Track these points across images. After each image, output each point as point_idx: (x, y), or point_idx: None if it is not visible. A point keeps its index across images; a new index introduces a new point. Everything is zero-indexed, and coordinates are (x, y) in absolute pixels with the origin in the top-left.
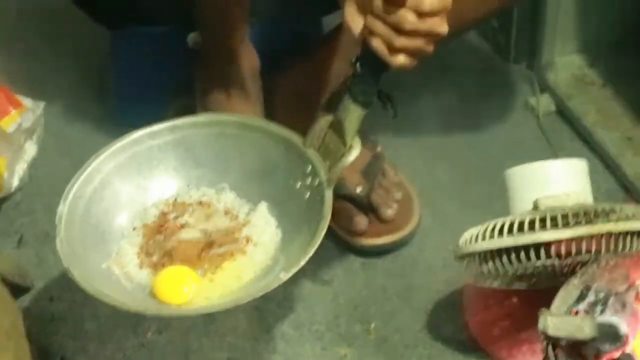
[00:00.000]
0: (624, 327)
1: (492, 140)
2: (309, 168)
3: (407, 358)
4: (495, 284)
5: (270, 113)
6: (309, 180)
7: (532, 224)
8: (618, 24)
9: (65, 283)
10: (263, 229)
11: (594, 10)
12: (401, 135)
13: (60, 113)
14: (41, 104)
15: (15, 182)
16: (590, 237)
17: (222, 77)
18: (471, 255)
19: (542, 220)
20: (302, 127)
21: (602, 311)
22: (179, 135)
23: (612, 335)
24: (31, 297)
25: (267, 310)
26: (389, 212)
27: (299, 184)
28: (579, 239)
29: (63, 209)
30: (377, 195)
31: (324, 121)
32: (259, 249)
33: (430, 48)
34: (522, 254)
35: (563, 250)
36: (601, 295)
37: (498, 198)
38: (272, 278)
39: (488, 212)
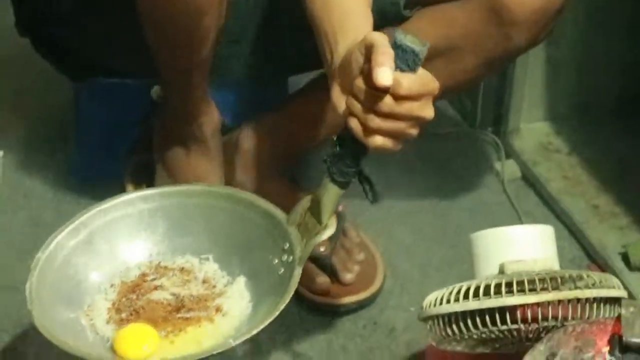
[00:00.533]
0: None
1: (457, 204)
2: (287, 245)
3: None
4: (459, 348)
5: (231, 172)
6: (285, 257)
7: (498, 288)
8: (584, 92)
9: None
10: (236, 301)
11: (560, 79)
12: (364, 196)
13: (18, 163)
14: None
15: None
16: (557, 302)
17: (181, 133)
18: (435, 317)
19: (508, 285)
20: (259, 186)
21: None
22: (170, 202)
23: None
24: None
25: None
26: (347, 276)
27: (276, 260)
28: (545, 305)
29: (41, 256)
30: (337, 258)
31: (306, 200)
32: (227, 319)
33: (413, 131)
34: (487, 318)
35: (529, 315)
36: None
37: (461, 262)
38: (222, 342)
39: (450, 275)
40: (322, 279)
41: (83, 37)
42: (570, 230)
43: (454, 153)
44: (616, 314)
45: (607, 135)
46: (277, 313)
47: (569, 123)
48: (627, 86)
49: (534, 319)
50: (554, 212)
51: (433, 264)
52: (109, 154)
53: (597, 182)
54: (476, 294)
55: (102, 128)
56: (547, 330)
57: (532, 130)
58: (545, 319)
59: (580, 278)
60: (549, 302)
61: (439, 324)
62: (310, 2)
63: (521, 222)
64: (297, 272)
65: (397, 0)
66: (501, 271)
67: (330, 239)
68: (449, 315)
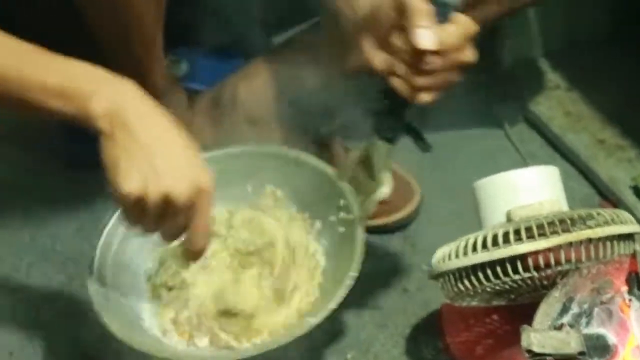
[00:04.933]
0: (612, 338)
1: (459, 155)
2: (342, 202)
3: None
4: (474, 303)
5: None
6: (342, 214)
7: (506, 237)
8: (581, 24)
9: (24, 336)
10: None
11: (551, 13)
12: None
13: (9, 159)
14: None
15: None
16: (569, 245)
17: None
18: (446, 274)
19: (517, 232)
20: (263, 134)
21: (588, 323)
22: (218, 166)
23: (600, 348)
24: None
25: None
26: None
27: (333, 218)
28: (557, 249)
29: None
30: None
31: (354, 155)
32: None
33: (456, 77)
34: (499, 269)
35: (541, 261)
36: (585, 306)
37: (467, 214)
38: (301, 324)
39: (458, 228)
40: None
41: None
42: (577, 169)
43: (450, 102)
44: (631, 251)
45: (606, 66)
46: (350, 283)
47: (566, 57)
48: (620, 11)
49: (547, 265)
50: (559, 151)
51: (442, 218)
52: None
53: (601, 115)
54: (484, 245)
55: None
56: (562, 274)
57: (529, 68)
58: (558, 263)
59: (591, 217)
60: (560, 246)
61: (450, 280)
62: None
63: (526, 166)
64: (360, 232)
65: None
66: (508, 219)
67: None
68: (459, 270)
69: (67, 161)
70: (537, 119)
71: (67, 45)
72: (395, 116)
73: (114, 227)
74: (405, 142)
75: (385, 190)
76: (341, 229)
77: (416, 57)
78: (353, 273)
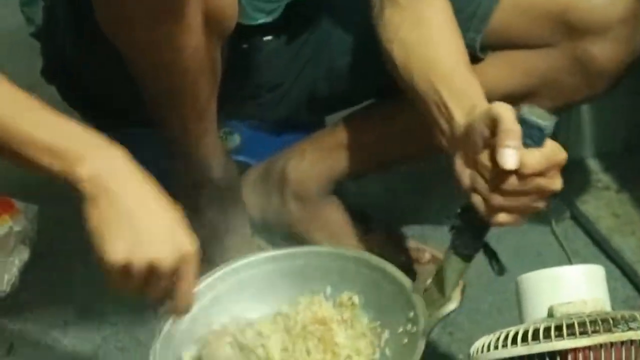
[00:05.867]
0: None
1: (503, 246)
2: (412, 314)
3: None
4: None
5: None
6: (409, 326)
7: (547, 332)
8: (632, 127)
9: None
10: None
11: (607, 115)
12: None
13: (54, 218)
14: (34, 208)
15: (5, 288)
16: (610, 345)
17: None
18: None
19: (558, 328)
20: (311, 213)
21: None
22: (298, 262)
23: None
24: None
25: None
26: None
27: (400, 329)
28: (597, 348)
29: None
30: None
31: (431, 269)
32: None
33: (540, 205)
34: None
35: (580, 358)
36: None
37: (510, 308)
38: None
39: (500, 322)
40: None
41: (104, 88)
42: (622, 270)
43: None
44: None
45: None
46: None
47: (618, 159)
48: None
49: None
50: (604, 251)
51: (481, 310)
52: None
53: None
54: (525, 339)
55: None
56: None
57: (580, 167)
58: None
59: (634, 319)
60: (601, 345)
61: None
62: (406, 70)
63: (570, 263)
64: (421, 344)
65: (474, 43)
66: (550, 314)
67: None
68: None
69: None
70: (584, 218)
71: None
72: (473, 234)
73: None
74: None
75: (453, 306)
76: (405, 340)
77: (497, 177)
78: None
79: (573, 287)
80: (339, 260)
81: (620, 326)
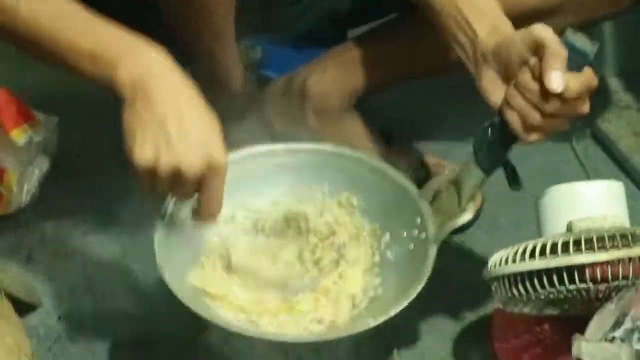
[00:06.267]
0: None
1: (523, 165)
2: (419, 220)
3: None
4: (526, 310)
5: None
6: (415, 232)
7: (565, 247)
8: None
9: (74, 302)
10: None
11: (630, 34)
12: None
13: (74, 129)
14: (55, 119)
15: (25, 198)
16: (628, 261)
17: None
18: (501, 278)
19: (577, 243)
20: (332, 128)
21: None
22: (298, 159)
23: None
24: (38, 315)
25: None
26: None
27: (405, 234)
28: (616, 263)
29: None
30: None
31: (442, 179)
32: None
33: (566, 126)
34: (555, 278)
35: (599, 274)
36: (639, 322)
37: (528, 224)
38: (359, 323)
39: (517, 238)
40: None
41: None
42: None
43: None
44: None
45: None
46: (414, 295)
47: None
48: None
49: (604, 279)
50: (624, 170)
51: (500, 225)
52: None
53: None
54: (543, 253)
55: None
56: (618, 290)
57: (601, 86)
58: (615, 278)
59: None
60: (619, 261)
61: (505, 285)
62: None
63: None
64: (433, 252)
65: None
66: (569, 229)
67: None
68: (515, 275)
69: None
70: (604, 136)
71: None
72: (499, 150)
73: None
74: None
75: (467, 218)
76: (411, 246)
77: (541, 98)
78: (420, 286)
79: (593, 202)
80: (338, 159)
81: (639, 242)
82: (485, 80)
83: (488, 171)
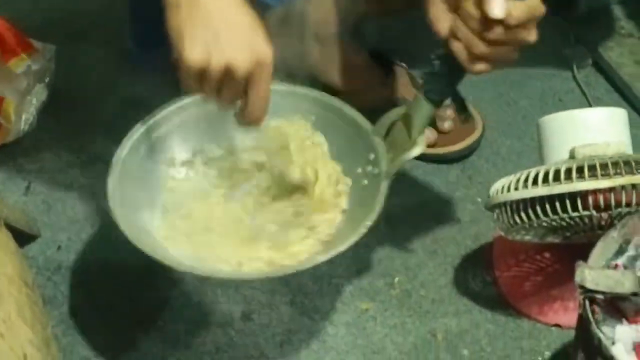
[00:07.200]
0: None
1: (525, 93)
2: (372, 156)
3: (432, 314)
4: (528, 237)
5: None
6: (369, 168)
7: (568, 173)
8: None
9: (73, 231)
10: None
11: None
12: None
13: (71, 57)
14: (52, 48)
15: (24, 127)
16: (631, 187)
17: None
18: (503, 205)
19: (580, 170)
20: (331, 54)
21: None
22: None
23: None
24: (38, 245)
25: None
26: (446, 125)
27: (359, 170)
28: (618, 190)
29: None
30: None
31: (394, 112)
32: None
33: (514, 55)
34: (557, 205)
35: (601, 201)
36: None
37: (528, 153)
38: (309, 259)
39: (518, 166)
40: (428, 132)
41: None
42: None
43: None
44: None
45: None
46: (364, 231)
47: None
48: None
49: (607, 205)
50: (626, 98)
51: (501, 154)
52: (164, 44)
53: None
54: (545, 180)
55: (156, 18)
56: (621, 217)
57: (603, 14)
58: (618, 205)
59: None
60: (622, 187)
61: (506, 211)
62: None
63: None
64: (384, 186)
65: None
66: (572, 156)
67: None
68: (517, 202)
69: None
70: (606, 64)
71: None
72: (446, 80)
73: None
74: (476, 76)
75: (418, 150)
76: (364, 182)
77: (483, 25)
78: (369, 222)
79: (595, 129)
80: (303, 100)
81: None
82: (434, 9)
83: (437, 102)
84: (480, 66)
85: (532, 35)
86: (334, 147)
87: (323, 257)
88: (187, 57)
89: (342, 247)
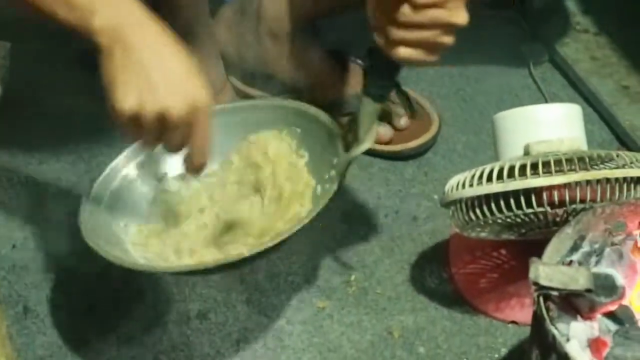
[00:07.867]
0: (620, 279)
1: (481, 89)
2: (335, 161)
3: (388, 311)
4: (484, 234)
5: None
6: (332, 172)
7: (522, 170)
8: None
9: (28, 230)
10: None
11: None
12: None
13: (26, 54)
14: (6, 45)
15: None
16: (585, 183)
17: None
18: (458, 202)
19: (534, 166)
20: (287, 51)
21: (597, 262)
22: (235, 118)
23: (608, 287)
24: None
25: None
26: (402, 121)
27: (326, 176)
28: (572, 186)
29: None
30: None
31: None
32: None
33: (445, 39)
34: (512, 201)
35: (556, 197)
36: (596, 245)
37: (484, 149)
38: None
39: (473, 162)
40: (384, 129)
41: None
42: (599, 113)
43: (477, 35)
44: None
45: (636, 14)
46: (299, 227)
47: (597, 1)
48: None
49: (561, 202)
50: (582, 94)
51: (457, 150)
52: None
53: (627, 62)
54: (500, 176)
55: None
56: (575, 213)
57: (559, 10)
58: (573, 201)
59: (610, 158)
60: (576, 183)
61: (462, 208)
62: None
63: None
64: (332, 187)
65: None
66: (526, 152)
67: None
68: (472, 199)
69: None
70: (562, 60)
71: None
72: (382, 74)
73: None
74: (433, 72)
75: (364, 147)
76: (326, 186)
77: (391, 9)
78: (307, 220)
79: (550, 125)
80: (277, 111)
81: (596, 165)
82: (370, 4)
83: (378, 98)
84: (401, 52)
85: (458, 17)
86: (312, 159)
87: (247, 252)
88: (120, 105)
89: (271, 243)
